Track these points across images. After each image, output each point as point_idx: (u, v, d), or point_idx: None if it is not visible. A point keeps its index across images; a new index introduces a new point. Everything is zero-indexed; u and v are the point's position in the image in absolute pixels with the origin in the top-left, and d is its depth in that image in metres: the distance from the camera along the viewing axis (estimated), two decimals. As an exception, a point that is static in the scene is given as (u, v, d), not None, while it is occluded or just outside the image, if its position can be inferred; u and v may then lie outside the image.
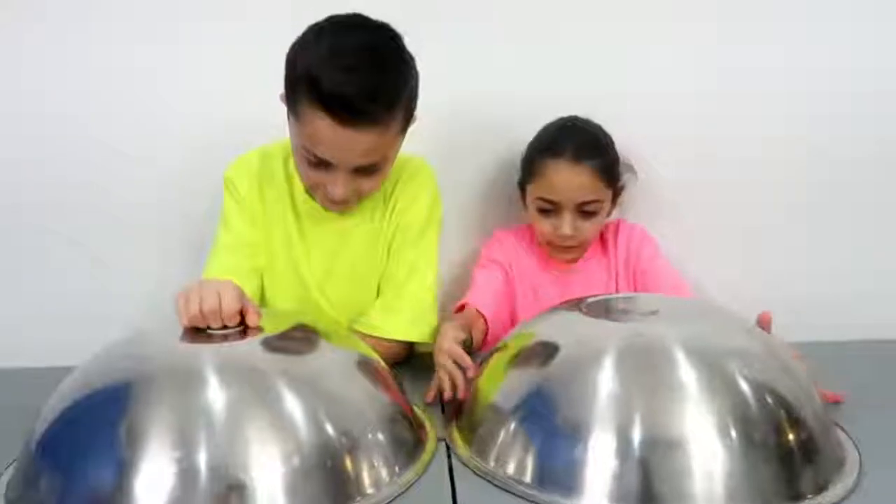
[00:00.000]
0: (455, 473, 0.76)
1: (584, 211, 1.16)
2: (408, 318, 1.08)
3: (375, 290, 1.13)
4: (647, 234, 1.27)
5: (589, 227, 1.17)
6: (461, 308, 1.14)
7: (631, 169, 1.24)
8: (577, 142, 1.16)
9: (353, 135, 0.91)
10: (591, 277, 1.24)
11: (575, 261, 1.24)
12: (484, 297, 1.16)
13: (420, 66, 0.98)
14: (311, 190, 1.05)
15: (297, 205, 1.10)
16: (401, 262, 1.10)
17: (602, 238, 1.26)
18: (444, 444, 0.82)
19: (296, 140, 0.98)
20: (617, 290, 1.23)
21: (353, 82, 0.89)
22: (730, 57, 1.27)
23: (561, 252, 1.21)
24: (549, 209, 1.17)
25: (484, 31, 1.24)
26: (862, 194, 1.33)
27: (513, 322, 1.22)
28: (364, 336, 1.02)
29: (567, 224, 1.15)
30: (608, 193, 1.18)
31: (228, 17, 1.20)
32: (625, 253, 1.25)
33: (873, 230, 1.34)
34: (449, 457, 0.79)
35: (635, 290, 1.23)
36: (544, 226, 1.18)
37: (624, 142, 1.21)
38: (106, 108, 1.22)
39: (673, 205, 1.31)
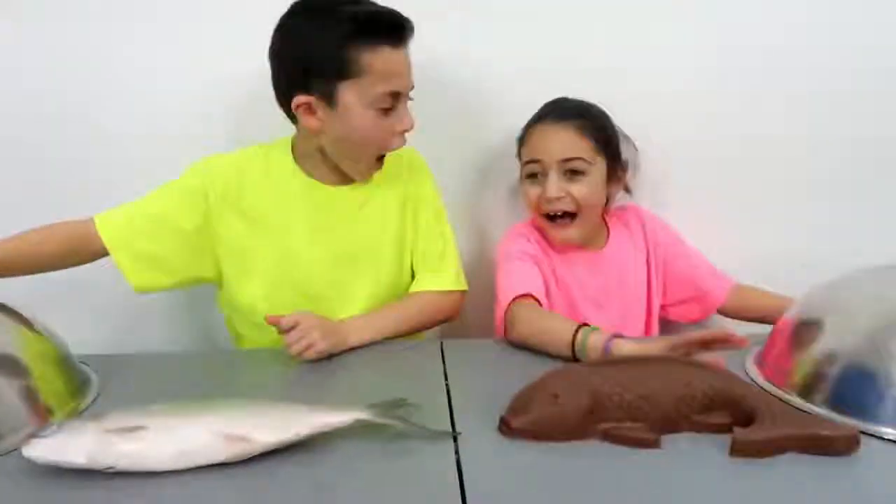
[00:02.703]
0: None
1: (570, 171, 1.11)
2: (454, 274, 1.17)
3: (375, 280, 1.14)
4: (660, 218, 1.26)
5: (577, 192, 1.11)
6: (519, 299, 1.07)
7: (633, 147, 1.21)
8: (561, 105, 1.16)
9: (404, 54, 1.02)
10: (620, 261, 1.21)
11: (600, 247, 1.20)
12: (542, 293, 1.10)
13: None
14: (376, 149, 1.07)
15: (299, 194, 1.11)
16: (436, 237, 1.17)
17: (623, 221, 1.23)
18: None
19: (352, 118, 1.02)
20: (650, 275, 1.21)
21: (378, 9, 1.01)
22: (730, 33, 1.27)
23: (555, 228, 1.15)
24: (536, 172, 1.14)
25: (480, 21, 1.24)
26: (867, 170, 1.33)
27: None
28: (420, 296, 1.13)
29: (552, 184, 1.11)
30: (597, 158, 1.13)
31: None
32: (653, 236, 1.23)
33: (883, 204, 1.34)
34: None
35: (665, 277, 1.21)
36: (532, 193, 1.15)
37: (625, 122, 1.20)
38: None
39: (677, 186, 1.31)
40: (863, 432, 0.73)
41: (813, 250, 1.28)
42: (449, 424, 0.79)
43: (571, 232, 1.15)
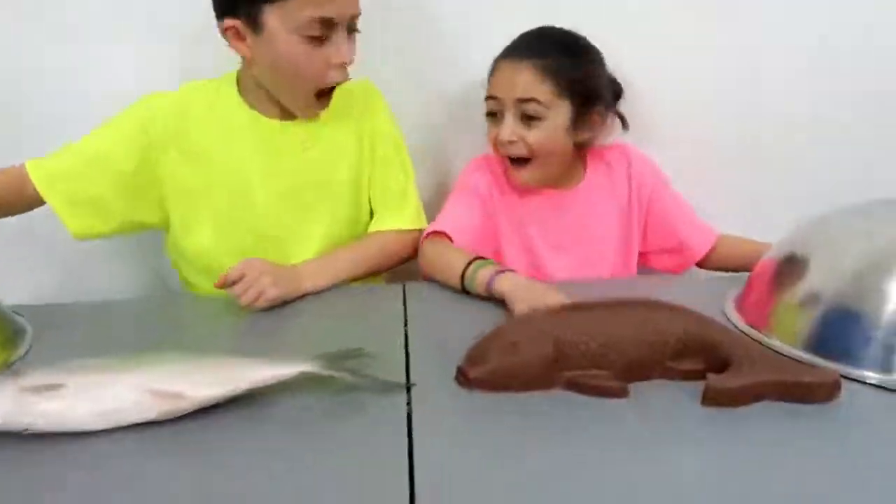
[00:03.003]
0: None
1: (526, 115, 1.03)
2: (415, 211, 1.12)
3: (331, 220, 1.07)
4: (651, 160, 1.18)
5: (532, 137, 1.04)
6: (432, 235, 1.05)
7: (620, 92, 1.13)
8: (534, 38, 1.07)
9: None
10: (592, 203, 1.13)
11: (571, 186, 1.13)
12: (463, 231, 1.06)
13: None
14: (311, 83, 0.99)
15: (245, 129, 1.03)
16: (395, 172, 1.11)
17: (607, 160, 1.15)
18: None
19: (277, 45, 0.94)
20: (631, 219, 1.14)
21: None
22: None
23: (513, 169, 1.09)
24: (495, 111, 1.07)
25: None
26: (867, 106, 1.25)
27: (499, 259, 1.13)
28: (379, 236, 1.07)
29: (506, 127, 1.04)
30: (558, 102, 1.03)
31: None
32: (638, 178, 1.15)
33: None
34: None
35: (646, 224, 1.15)
36: (490, 133, 1.08)
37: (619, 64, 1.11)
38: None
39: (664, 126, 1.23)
40: (844, 377, 0.69)
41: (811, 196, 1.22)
42: (404, 375, 0.73)
43: (525, 175, 1.08)
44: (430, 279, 1.02)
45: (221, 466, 0.60)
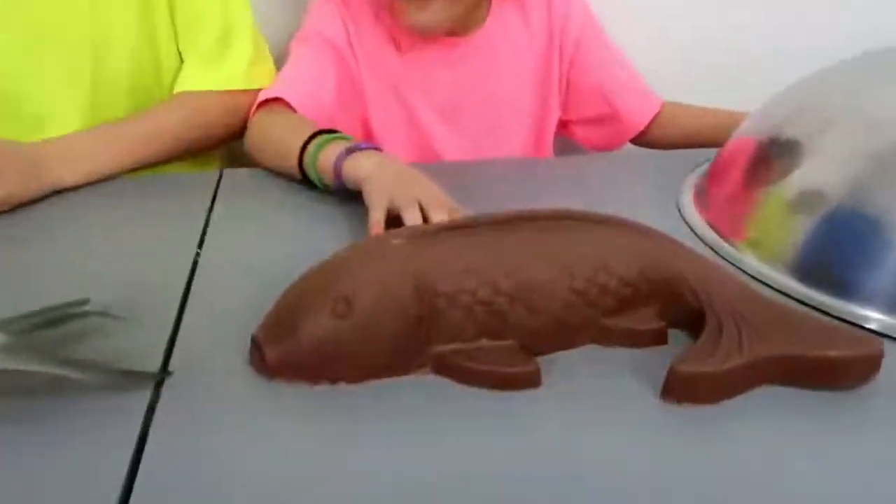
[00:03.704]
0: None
1: None
2: (244, 65, 0.75)
3: (101, 73, 0.72)
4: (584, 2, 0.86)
5: None
6: (267, 104, 0.72)
7: None
8: None
9: None
10: (495, 57, 0.82)
11: (466, 35, 0.80)
12: (310, 98, 0.73)
13: None
14: None
15: None
16: (209, 4, 0.75)
17: (520, 1, 0.83)
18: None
19: None
20: (549, 78, 0.84)
21: None
22: None
23: (410, 7, 0.74)
24: None
25: None
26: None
27: (368, 137, 0.82)
28: (184, 100, 0.73)
29: None
30: None
31: None
32: (562, 24, 0.83)
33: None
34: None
35: (569, 83, 0.85)
36: None
37: None
38: None
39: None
40: (844, 320, 0.44)
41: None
42: (162, 351, 0.42)
43: (427, 17, 0.74)
44: (262, 167, 0.69)
45: None
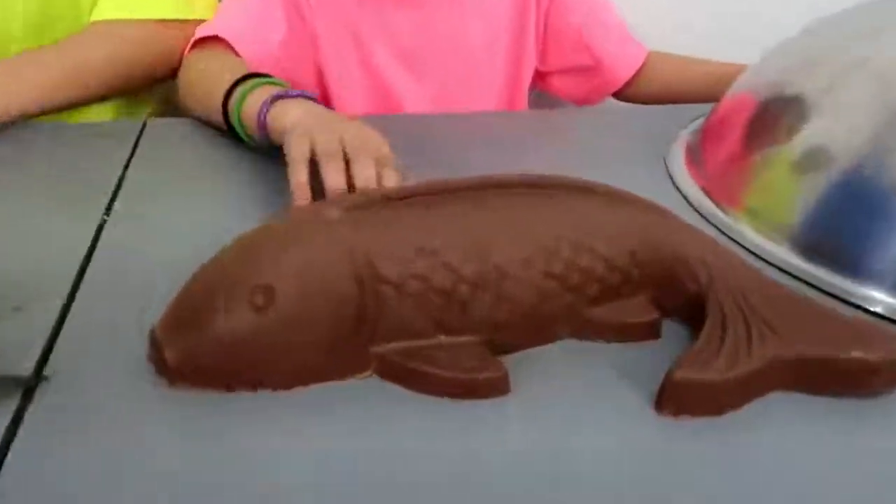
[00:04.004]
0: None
1: None
2: None
3: None
4: None
5: None
6: (203, 43, 0.62)
7: None
8: None
9: None
10: (465, 9, 0.73)
11: None
12: (253, 38, 0.64)
13: None
14: None
15: None
16: None
17: None
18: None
19: None
20: (525, 25, 0.75)
21: None
22: None
23: None
24: None
25: None
26: None
27: (326, 99, 0.73)
28: (102, 31, 0.62)
29: None
30: None
31: None
32: None
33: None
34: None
35: (547, 29, 0.76)
36: None
37: None
38: None
39: None
40: (845, 301, 0.39)
41: None
42: (39, 349, 0.34)
43: None
44: (191, 116, 0.60)
45: None
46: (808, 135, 0.49)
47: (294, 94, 0.49)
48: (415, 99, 0.74)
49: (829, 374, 0.32)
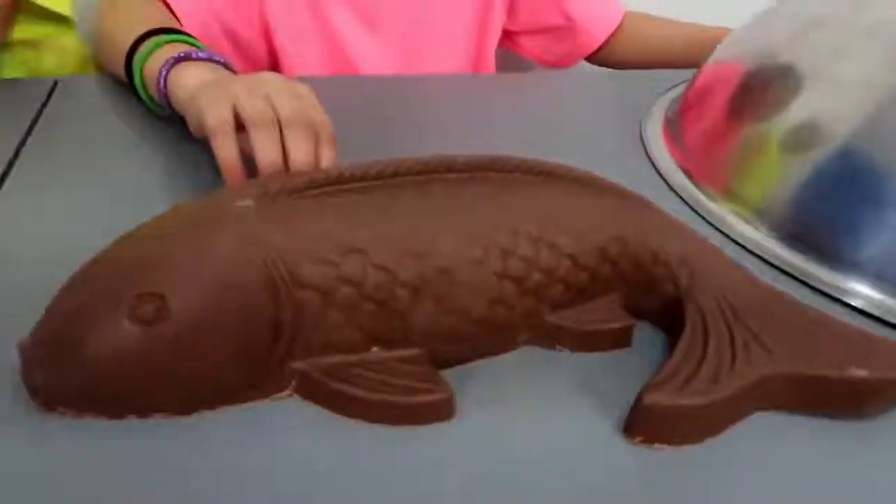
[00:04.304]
0: None
1: None
2: None
3: None
4: None
5: None
6: None
7: None
8: None
9: None
10: None
11: None
12: None
13: None
14: None
15: None
16: None
17: None
18: None
19: None
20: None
21: None
22: None
23: None
24: None
25: None
26: None
27: (274, 59, 0.65)
28: None
29: None
30: None
31: None
32: None
33: None
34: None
35: None
36: None
37: None
38: None
39: None
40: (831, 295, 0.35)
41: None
42: None
43: None
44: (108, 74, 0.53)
45: None
46: (800, 110, 0.44)
47: (202, 55, 0.42)
48: (372, 59, 0.68)
49: (821, 394, 0.28)
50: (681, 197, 0.45)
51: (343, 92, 0.50)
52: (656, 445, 0.27)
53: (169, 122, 0.45)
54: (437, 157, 0.29)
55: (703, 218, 0.43)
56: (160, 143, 0.45)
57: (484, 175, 0.29)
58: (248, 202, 0.27)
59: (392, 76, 0.65)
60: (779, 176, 0.44)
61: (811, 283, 0.37)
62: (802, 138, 0.44)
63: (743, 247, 0.40)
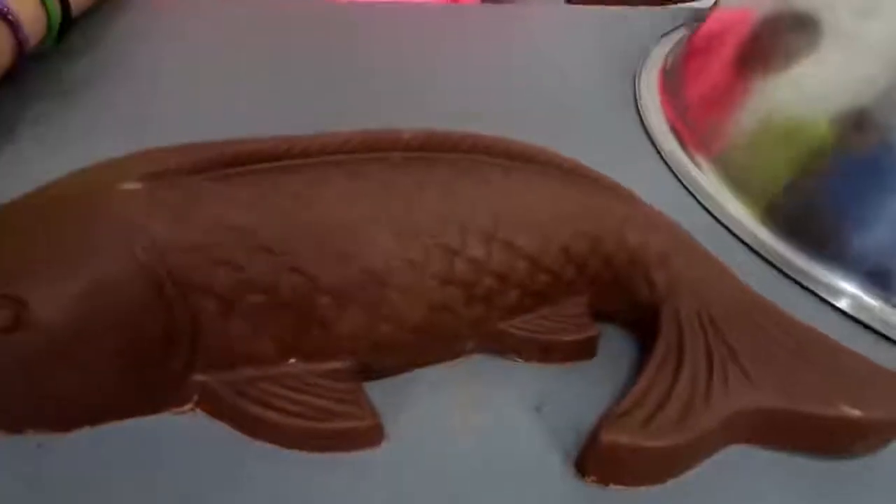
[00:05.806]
0: None
1: None
2: None
3: None
4: None
5: None
6: None
7: None
8: None
9: None
10: None
11: None
12: None
13: None
14: None
15: None
16: None
17: None
18: None
19: None
20: None
21: None
22: None
23: None
24: None
25: None
26: None
27: None
28: None
29: None
30: None
31: None
32: None
33: None
34: None
35: None
36: None
37: None
38: None
39: None
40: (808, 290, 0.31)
41: None
42: None
43: None
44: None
45: None
46: (817, 72, 0.39)
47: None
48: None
49: (805, 432, 0.24)
50: (666, 163, 0.40)
51: (300, 20, 0.43)
52: (612, 486, 0.23)
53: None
54: (378, 132, 0.24)
55: (694, 195, 0.38)
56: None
57: (433, 156, 0.24)
58: (136, 185, 0.22)
59: (358, 2, 0.59)
60: (775, 151, 0.39)
61: (803, 282, 0.33)
62: (813, 105, 0.39)
63: (728, 230, 0.36)
